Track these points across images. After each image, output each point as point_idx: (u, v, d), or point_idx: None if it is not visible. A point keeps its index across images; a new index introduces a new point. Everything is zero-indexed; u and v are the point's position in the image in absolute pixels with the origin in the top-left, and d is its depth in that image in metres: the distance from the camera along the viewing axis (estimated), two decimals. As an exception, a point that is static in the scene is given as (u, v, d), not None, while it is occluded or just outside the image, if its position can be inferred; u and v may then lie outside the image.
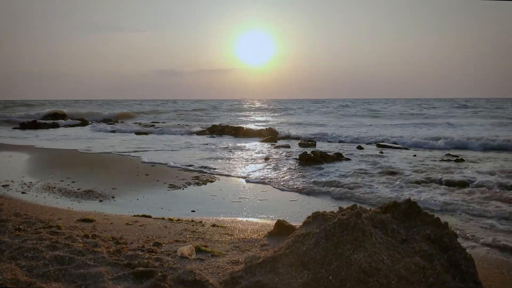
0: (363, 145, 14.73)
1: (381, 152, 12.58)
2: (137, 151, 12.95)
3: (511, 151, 12.93)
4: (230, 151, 13.19)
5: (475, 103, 58.04)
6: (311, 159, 10.42)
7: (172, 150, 13.48)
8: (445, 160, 10.76)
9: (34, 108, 46.73)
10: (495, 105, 52.14)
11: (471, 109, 41.67)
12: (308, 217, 3.27)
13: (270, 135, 17.95)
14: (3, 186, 7.39)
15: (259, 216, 5.74)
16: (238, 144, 15.43)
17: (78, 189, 7.20)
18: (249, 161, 11.06)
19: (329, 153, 11.13)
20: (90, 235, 4.03)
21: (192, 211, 5.84)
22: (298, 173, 8.97)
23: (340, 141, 16.79)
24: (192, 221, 5.29)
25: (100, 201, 6.50)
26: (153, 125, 25.18)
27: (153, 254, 3.55)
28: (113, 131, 22.29)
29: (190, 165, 10.00)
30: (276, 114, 41.00)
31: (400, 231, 3.06)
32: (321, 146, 14.63)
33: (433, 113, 36.07)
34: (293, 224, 4.45)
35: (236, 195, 6.95)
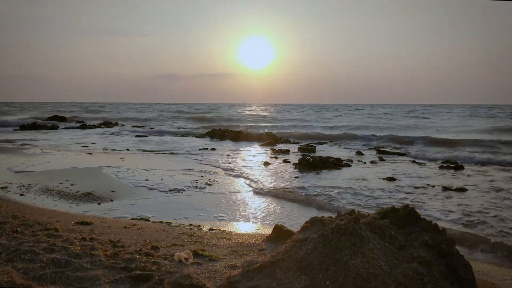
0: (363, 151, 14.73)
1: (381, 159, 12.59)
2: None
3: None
4: (230, 155, 13.18)
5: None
6: (310, 164, 10.42)
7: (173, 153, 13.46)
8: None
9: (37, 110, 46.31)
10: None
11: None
12: (306, 222, 3.27)
13: (269, 140, 17.94)
14: (2, 188, 7.37)
15: (257, 220, 5.72)
16: (238, 148, 15.42)
17: (76, 192, 7.19)
18: (248, 166, 11.05)
19: (328, 158, 11.12)
20: (87, 238, 4.02)
21: (186, 217, 5.82)
22: (297, 179, 8.96)
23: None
24: (190, 224, 5.29)
25: (99, 204, 6.48)
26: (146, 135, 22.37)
27: (151, 257, 3.54)
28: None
29: (190, 169, 10.00)
30: (277, 119, 40.95)
31: (398, 237, 3.05)
32: (321, 151, 14.62)
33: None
34: (291, 229, 4.44)
35: (235, 199, 6.94)
